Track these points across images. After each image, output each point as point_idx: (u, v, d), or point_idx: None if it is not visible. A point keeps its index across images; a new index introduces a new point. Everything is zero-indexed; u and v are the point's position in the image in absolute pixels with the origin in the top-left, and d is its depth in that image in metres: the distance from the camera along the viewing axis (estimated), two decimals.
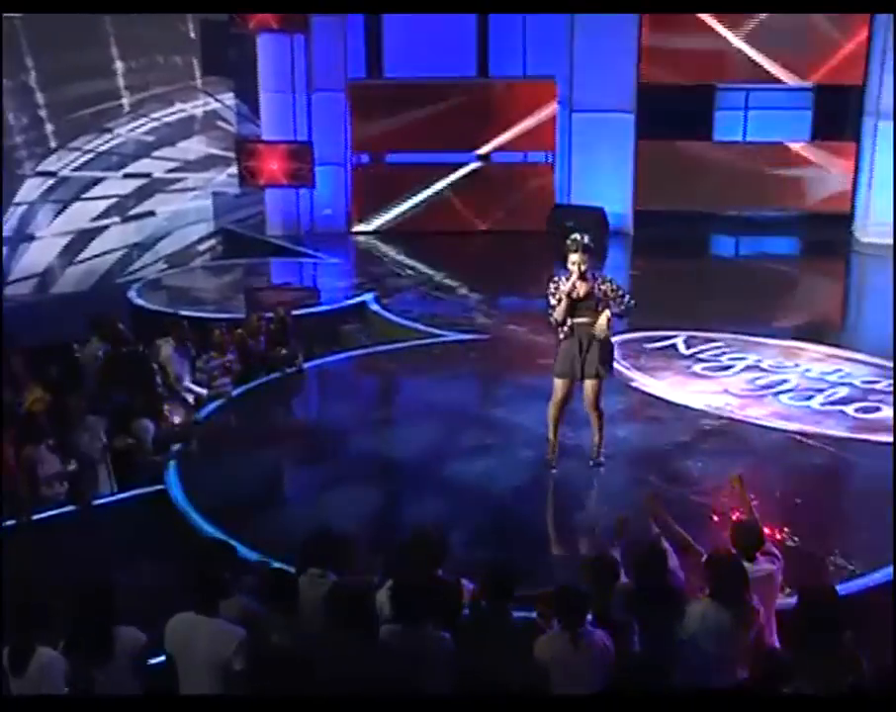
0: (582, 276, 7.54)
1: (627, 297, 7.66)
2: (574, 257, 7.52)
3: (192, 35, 16.88)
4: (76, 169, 16.27)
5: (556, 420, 7.91)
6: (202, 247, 17.48)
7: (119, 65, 16.40)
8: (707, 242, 16.74)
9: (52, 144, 15.83)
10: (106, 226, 16.62)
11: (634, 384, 9.81)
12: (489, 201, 16.63)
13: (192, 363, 9.59)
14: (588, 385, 7.78)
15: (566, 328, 7.70)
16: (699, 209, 16.85)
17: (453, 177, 16.66)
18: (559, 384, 7.84)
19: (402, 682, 4.62)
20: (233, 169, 16.84)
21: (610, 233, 16.10)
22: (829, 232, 15.88)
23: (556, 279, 7.65)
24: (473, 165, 16.75)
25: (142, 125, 16.72)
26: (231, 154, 16.86)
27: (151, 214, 16.97)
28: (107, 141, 16.43)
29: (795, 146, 16.52)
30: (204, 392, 9.42)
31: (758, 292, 13.19)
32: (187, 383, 9.41)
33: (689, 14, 15.22)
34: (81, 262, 16.47)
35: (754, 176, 16.36)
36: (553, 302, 7.65)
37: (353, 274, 14.35)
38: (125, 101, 16.56)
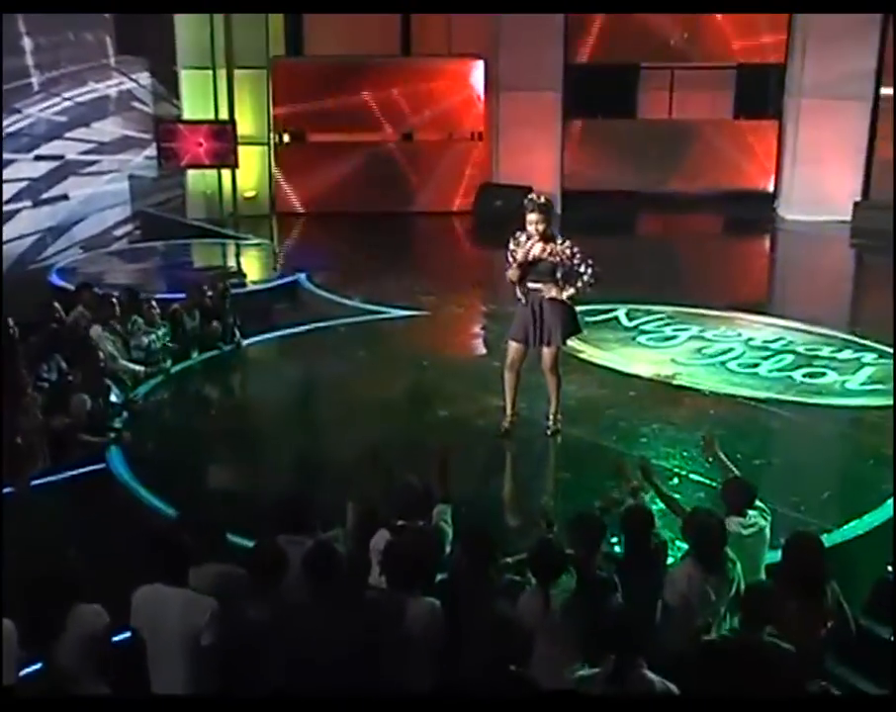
0: (542, 237, 7.36)
1: (591, 266, 7.41)
2: (531, 217, 7.32)
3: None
4: None
5: (512, 387, 7.72)
6: (119, 232, 16.91)
7: (27, 42, 15.71)
8: (635, 222, 16.86)
9: None
10: (17, 211, 15.92)
11: (581, 355, 9.70)
12: (415, 180, 16.47)
13: (124, 341, 9.22)
14: (545, 352, 7.63)
15: (521, 292, 7.53)
16: (626, 188, 16.96)
17: (379, 156, 16.44)
18: (512, 347, 7.67)
19: (387, 653, 4.42)
20: (151, 151, 16.39)
21: None
22: (753, 210, 16.09)
23: (516, 235, 7.46)
24: (399, 144, 16.61)
25: (54, 105, 16.04)
26: (148, 136, 16.38)
27: (65, 197, 16.31)
28: (16, 122, 15.71)
29: (718, 125, 16.70)
30: (140, 369, 9.07)
31: (689, 268, 13.31)
32: (122, 361, 9.03)
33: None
34: None
35: (678, 154, 16.47)
36: (510, 259, 7.46)
37: (281, 254, 14.08)
38: (34, 80, 15.81)
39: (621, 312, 11.03)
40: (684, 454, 7.52)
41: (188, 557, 4.65)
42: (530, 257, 7.39)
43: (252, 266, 13.69)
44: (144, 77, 16.77)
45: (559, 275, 7.42)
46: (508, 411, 7.76)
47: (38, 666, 4.30)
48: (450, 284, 12.30)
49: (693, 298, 11.46)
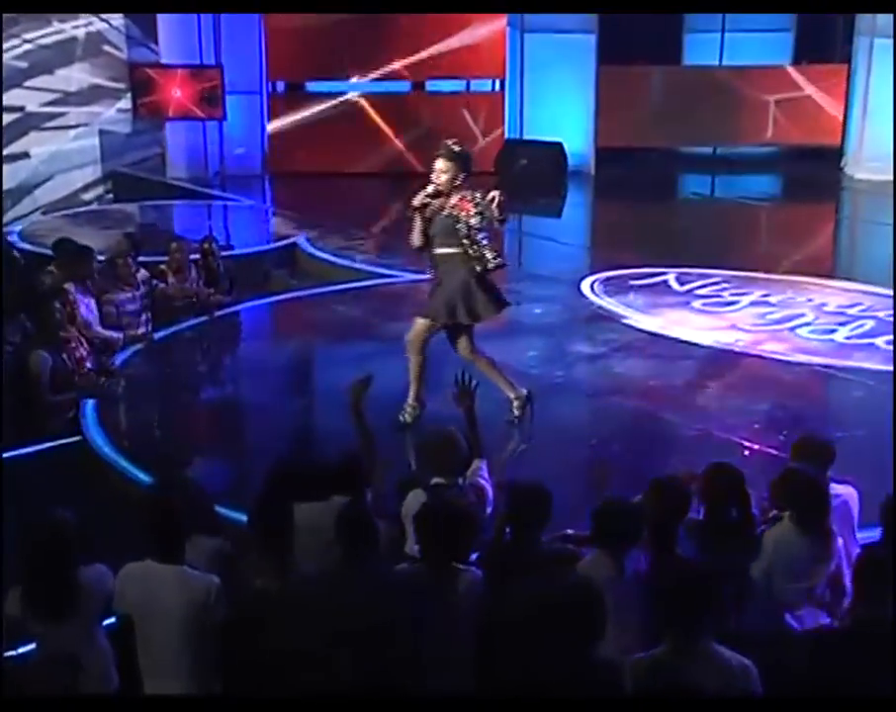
0: (449, 190, 7.00)
1: (492, 250, 7.09)
2: (437, 164, 7.03)
3: None
4: None
5: (416, 372, 7.32)
6: (88, 195, 16.78)
7: None
8: (679, 182, 16.81)
9: None
10: None
11: (626, 321, 9.79)
12: (426, 137, 16.26)
13: (98, 304, 9.09)
14: (459, 330, 7.29)
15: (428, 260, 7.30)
16: (669, 145, 16.89)
17: (386, 110, 16.31)
18: (419, 323, 7.29)
19: (424, 630, 4.30)
20: (125, 102, 16.23)
21: (569, 173, 16.10)
22: (816, 169, 15.94)
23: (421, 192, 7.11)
24: (408, 94, 16.54)
25: (12, 48, 15.92)
26: (122, 85, 16.23)
27: (25, 155, 16.18)
28: None
29: (777, 71, 16.57)
30: (118, 336, 8.94)
31: (745, 232, 13.25)
32: (98, 327, 8.89)
33: None
34: None
35: (729, 107, 16.33)
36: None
37: (278, 216, 14.02)
38: None
39: (671, 277, 11.03)
40: (755, 426, 7.43)
41: (182, 527, 4.54)
42: (427, 213, 7.06)
43: (243, 229, 13.57)
44: (118, 17, 16.61)
45: (462, 239, 7.05)
46: (410, 399, 7.38)
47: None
48: None
49: (751, 262, 11.46)
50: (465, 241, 7.03)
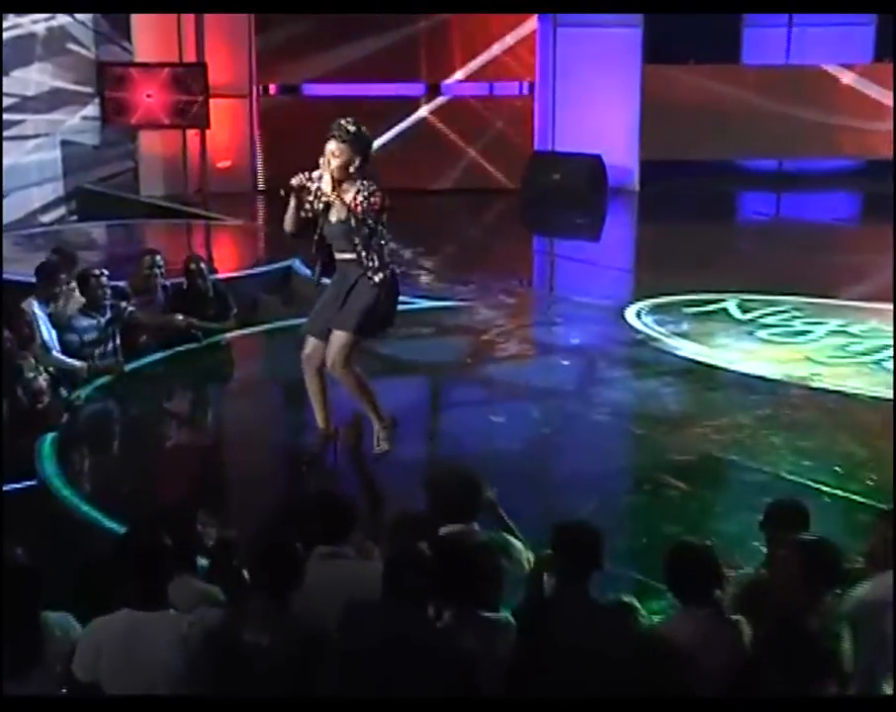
0: (339, 178, 6.96)
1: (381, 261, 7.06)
2: (329, 146, 7.01)
3: None
4: None
5: (315, 393, 7.41)
6: (47, 216, 16.82)
7: None
8: (737, 201, 16.83)
9: None
10: None
11: (679, 352, 9.88)
12: (442, 149, 16.43)
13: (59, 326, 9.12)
14: (330, 340, 7.22)
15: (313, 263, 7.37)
16: (726, 158, 16.88)
17: (393, 118, 16.42)
18: (308, 340, 7.37)
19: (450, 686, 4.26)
20: (91, 109, 16.34)
21: (610, 190, 16.13)
22: None
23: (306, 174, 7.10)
24: (422, 102, 16.64)
25: None
26: (88, 89, 16.36)
27: None
28: None
29: (852, 72, 16.60)
30: (82, 365, 8.93)
31: (815, 255, 13.18)
32: (57, 354, 8.86)
33: None
34: None
35: (797, 112, 16.33)
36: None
37: (268, 237, 14.09)
38: None
39: (731, 303, 11.11)
40: (836, 469, 7.40)
41: (169, 569, 4.57)
42: (303, 192, 7.04)
43: (230, 252, 13.61)
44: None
45: (355, 242, 7.04)
46: (320, 425, 7.49)
47: None
48: (491, 273, 12.41)
49: (825, 288, 11.51)
50: (357, 245, 7.00)
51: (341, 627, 4.50)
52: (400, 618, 4.42)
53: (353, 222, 6.97)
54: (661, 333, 10.22)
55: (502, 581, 4.70)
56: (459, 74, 16.53)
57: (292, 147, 15.71)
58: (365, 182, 6.99)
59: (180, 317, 9.81)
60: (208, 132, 15.90)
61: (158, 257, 10.05)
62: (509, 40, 16.32)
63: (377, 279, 7.06)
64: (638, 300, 11.19)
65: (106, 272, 9.41)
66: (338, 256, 7.16)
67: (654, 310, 10.86)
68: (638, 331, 10.33)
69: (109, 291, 9.31)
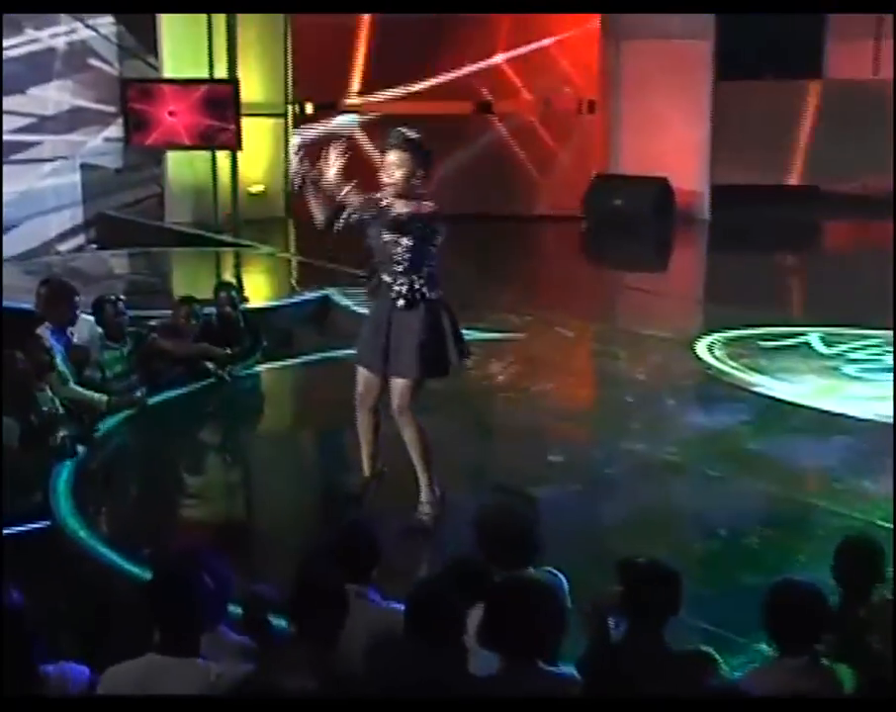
0: (402, 192, 6.88)
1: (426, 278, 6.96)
2: (389, 157, 6.91)
3: None
4: None
5: (366, 433, 7.36)
6: (64, 245, 16.98)
7: None
8: (818, 228, 16.77)
9: None
10: None
11: (757, 389, 9.82)
12: (491, 172, 16.48)
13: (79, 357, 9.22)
14: (392, 385, 7.14)
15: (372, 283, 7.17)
16: (806, 182, 16.90)
17: (439, 139, 16.38)
18: (359, 375, 7.29)
19: None
20: (114, 130, 16.54)
21: (677, 217, 16.14)
22: None
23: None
24: (470, 117, 16.74)
25: None
26: (111, 108, 16.56)
27: None
28: None
29: None
30: (102, 398, 8.95)
31: None
32: (74, 385, 8.91)
33: None
34: None
35: (885, 132, 16.23)
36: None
37: (304, 265, 14.23)
38: None
39: (813, 337, 11.11)
40: None
41: (202, 615, 4.57)
42: (357, 214, 6.86)
43: (262, 281, 13.68)
44: (107, 23, 16.94)
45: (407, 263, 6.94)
46: (365, 469, 7.42)
47: None
48: (549, 304, 12.50)
49: None
50: (408, 266, 6.92)
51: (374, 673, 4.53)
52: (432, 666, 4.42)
53: (408, 240, 6.91)
54: (735, 368, 10.16)
55: (564, 629, 4.64)
56: (512, 91, 16.59)
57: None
58: (424, 199, 6.94)
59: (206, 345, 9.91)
60: (239, 153, 16.04)
61: (197, 306, 10.05)
62: (568, 54, 16.36)
63: (426, 301, 6.97)
64: (709, 333, 11.13)
65: (122, 297, 9.47)
66: (386, 278, 7.06)
67: (727, 343, 10.81)
68: (710, 366, 10.27)
69: (127, 317, 9.39)
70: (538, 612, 4.51)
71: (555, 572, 5.32)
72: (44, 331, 8.94)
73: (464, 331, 10.65)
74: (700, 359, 10.49)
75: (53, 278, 9.93)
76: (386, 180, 6.89)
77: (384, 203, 6.91)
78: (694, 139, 16.39)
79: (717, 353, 10.58)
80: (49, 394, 8.30)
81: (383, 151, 7.01)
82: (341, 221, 6.87)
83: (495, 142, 16.69)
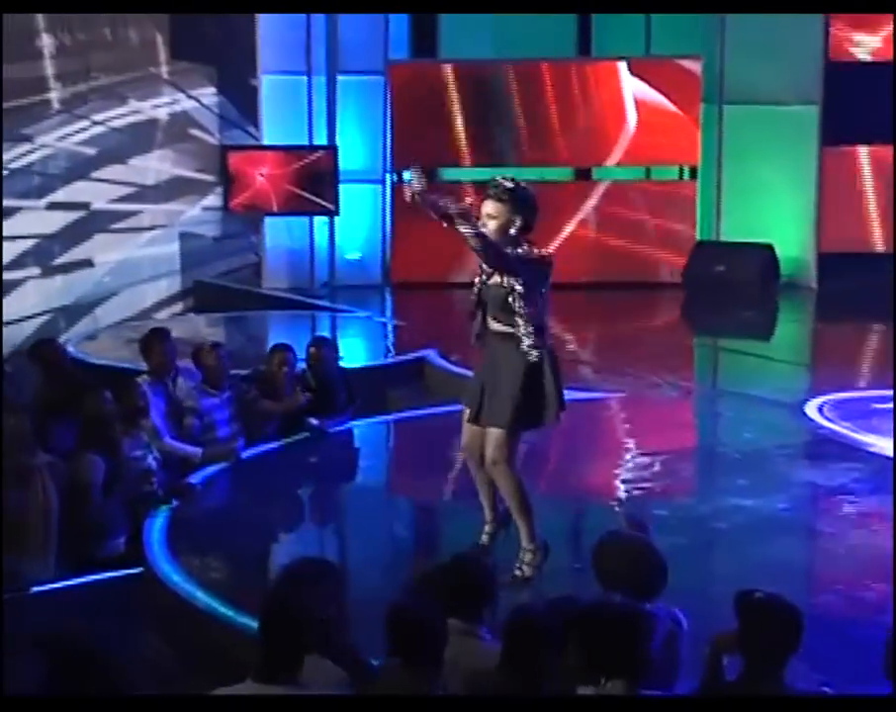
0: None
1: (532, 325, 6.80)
2: (485, 207, 6.79)
3: None
4: None
5: (482, 483, 7.20)
6: (161, 314, 17.10)
7: (46, 42, 16.31)
8: None
9: None
10: (19, 282, 16.28)
11: (871, 448, 9.67)
12: (589, 239, 16.48)
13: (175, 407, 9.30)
14: (487, 435, 7.00)
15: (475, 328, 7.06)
16: None
17: (543, 201, 16.34)
18: (464, 425, 7.17)
19: None
20: (213, 199, 16.71)
21: (782, 285, 15.99)
22: None
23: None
24: (566, 186, 16.80)
25: (79, 131, 16.55)
26: (210, 177, 16.73)
27: (88, 264, 16.66)
28: (24, 154, 16.20)
29: None
30: (197, 451, 9.00)
31: None
32: (170, 440, 8.98)
33: None
34: None
35: None
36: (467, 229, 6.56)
37: (401, 329, 14.33)
38: (53, 95, 16.40)
39: None
40: None
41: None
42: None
43: (358, 344, 13.78)
44: (209, 93, 17.19)
45: (514, 310, 6.81)
46: (487, 517, 7.27)
47: None
48: (649, 367, 12.36)
49: None
50: (515, 314, 6.79)
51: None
52: None
53: (515, 286, 6.76)
54: (848, 428, 9.97)
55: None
56: (612, 157, 16.58)
57: (426, 238, 15.93)
58: (529, 246, 6.83)
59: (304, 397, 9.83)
60: (336, 220, 16.12)
61: (290, 354, 9.98)
62: (668, 120, 16.29)
63: (534, 355, 6.82)
64: (819, 395, 10.91)
65: (221, 343, 9.50)
66: (492, 327, 6.95)
67: (839, 404, 10.60)
68: (821, 425, 10.10)
69: (226, 363, 9.43)
70: (630, 640, 4.42)
71: (675, 611, 5.22)
72: (141, 381, 9.04)
73: (565, 390, 10.77)
74: (811, 419, 10.30)
75: (151, 328, 10.02)
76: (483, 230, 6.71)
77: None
78: (799, 206, 16.23)
79: (829, 414, 10.38)
80: (145, 440, 8.32)
81: (482, 200, 6.91)
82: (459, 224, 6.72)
83: (594, 209, 16.57)
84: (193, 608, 6.90)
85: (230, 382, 9.52)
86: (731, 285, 15.49)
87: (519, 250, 6.77)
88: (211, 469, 8.99)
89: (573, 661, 4.42)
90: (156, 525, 7.89)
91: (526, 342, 6.78)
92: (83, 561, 7.55)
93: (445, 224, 6.65)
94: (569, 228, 16.44)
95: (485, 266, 6.87)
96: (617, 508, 8.21)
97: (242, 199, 16.12)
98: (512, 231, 6.78)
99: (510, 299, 6.76)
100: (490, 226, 6.73)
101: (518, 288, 6.73)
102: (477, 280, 6.96)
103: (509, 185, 6.82)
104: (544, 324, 6.90)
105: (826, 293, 16.01)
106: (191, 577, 7.19)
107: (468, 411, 7.11)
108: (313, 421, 9.71)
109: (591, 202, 16.60)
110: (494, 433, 6.92)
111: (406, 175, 7.21)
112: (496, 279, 6.82)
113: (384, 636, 4.73)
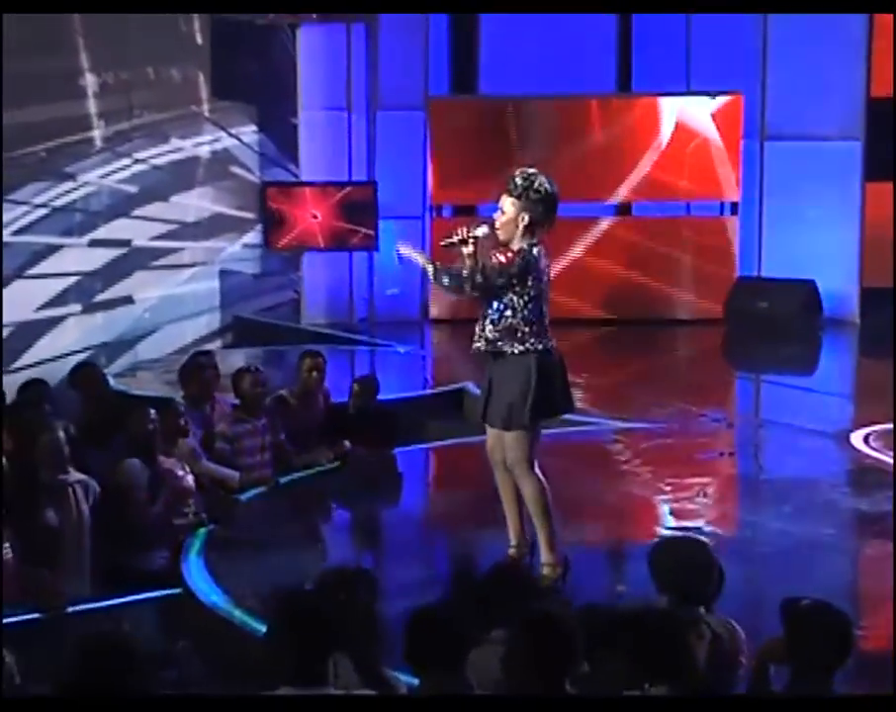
0: (506, 238, 6.75)
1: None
2: (501, 200, 6.82)
3: (198, 38, 16.94)
4: (18, 232, 16.05)
5: (506, 494, 7.09)
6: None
7: (90, 80, 16.38)
8: None
9: None
10: (60, 318, 16.31)
11: None
12: (630, 275, 16.46)
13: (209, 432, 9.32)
14: (507, 436, 6.89)
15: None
16: None
17: (579, 241, 16.46)
18: (487, 428, 7.08)
19: None
20: (253, 236, 16.77)
21: (825, 320, 15.89)
22: None
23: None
24: (607, 222, 16.74)
25: (121, 169, 16.58)
26: (250, 214, 16.77)
27: (129, 300, 16.66)
28: (67, 192, 16.21)
29: None
30: (235, 474, 8.97)
31: None
32: (206, 462, 8.94)
33: None
34: (19, 370, 16.11)
35: None
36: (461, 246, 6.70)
37: (440, 362, 14.46)
38: (96, 133, 16.42)
39: None
40: None
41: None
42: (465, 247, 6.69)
43: (396, 376, 13.74)
44: (249, 131, 17.26)
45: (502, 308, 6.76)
46: (511, 537, 7.13)
47: None
48: (690, 400, 12.30)
49: None
50: (504, 311, 6.75)
51: None
52: None
53: (501, 286, 6.69)
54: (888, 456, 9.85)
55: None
56: (652, 193, 16.58)
57: None
58: (530, 244, 6.73)
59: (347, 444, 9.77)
60: (375, 255, 16.13)
61: (320, 359, 10.02)
62: (709, 155, 16.27)
63: (517, 350, 6.71)
64: (865, 426, 10.79)
65: (261, 369, 9.48)
66: (487, 328, 6.87)
67: (885, 433, 10.45)
68: (867, 455, 9.99)
69: (265, 390, 9.39)
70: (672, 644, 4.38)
71: (730, 621, 5.12)
72: (181, 401, 9.08)
73: (606, 421, 10.75)
74: (856, 448, 10.20)
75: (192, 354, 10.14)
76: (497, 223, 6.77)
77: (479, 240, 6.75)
78: (842, 241, 16.18)
79: (874, 444, 10.27)
80: (179, 459, 8.28)
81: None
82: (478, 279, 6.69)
83: (634, 244, 16.52)
84: (231, 627, 6.83)
85: (267, 409, 9.47)
86: (773, 320, 15.43)
87: (499, 255, 6.72)
88: (248, 493, 8.95)
89: (617, 665, 4.34)
90: (195, 546, 7.84)
91: (516, 342, 6.70)
92: (125, 570, 7.55)
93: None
94: (609, 265, 16.43)
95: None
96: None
97: (282, 235, 16.17)
98: (519, 228, 6.73)
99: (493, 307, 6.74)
100: (500, 220, 6.75)
101: (502, 288, 6.67)
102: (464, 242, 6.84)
103: (520, 180, 6.77)
104: (534, 320, 6.75)
105: (869, 327, 15.91)
106: (229, 597, 7.13)
107: (480, 412, 7.05)
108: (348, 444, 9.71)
109: (632, 237, 16.60)
110: (509, 437, 6.84)
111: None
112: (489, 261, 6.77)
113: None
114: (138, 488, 7.63)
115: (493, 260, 6.71)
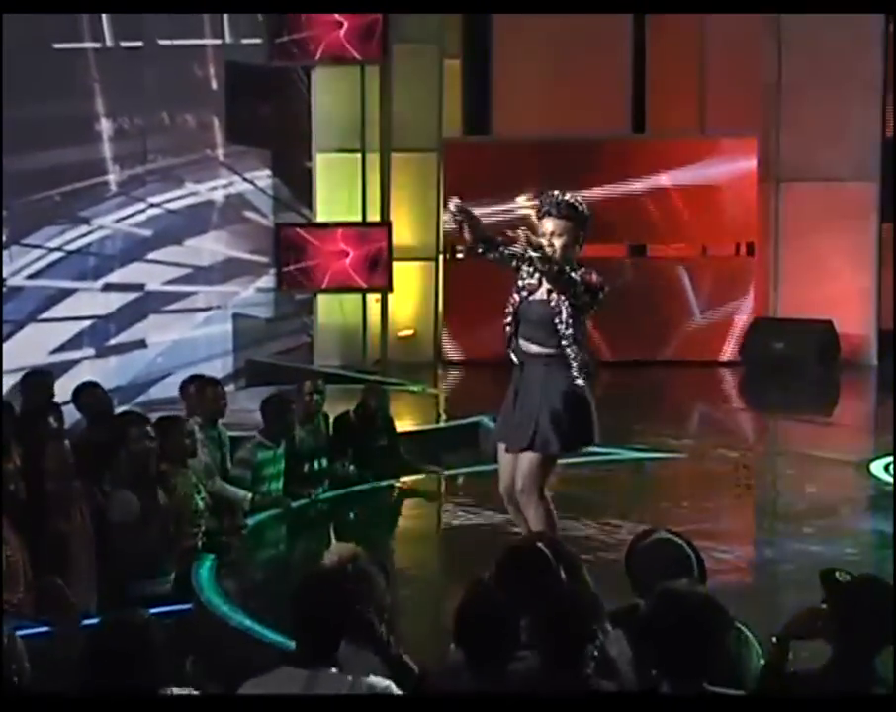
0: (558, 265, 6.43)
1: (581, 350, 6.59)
2: (546, 225, 6.56)
3: (213, 83, 17.00)
4: (32, 276, 16.09)
5: (521, 523, 6.90)
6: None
7: (104, 125, 16.47)
8: None
9: None
10: (74, 362, 16.31)
11: None
12: (649, 316, 16.28)
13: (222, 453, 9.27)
14: (519, 462, 6.73)
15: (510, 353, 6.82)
16: None
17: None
18: (500, 454, 6.92)
19: None
20: (266, 280, 16.80)
21: (842, 362, 15.79)
22: None
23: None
24: (628, 261, 16.80)
25: (135, 213, 16.65)
26: (264, 258, 16.80)
27: (142, 344, 16.67)
28: (81, 236, 16.30)
29: None
30: (247, 495, 8.86)
31: None
32: (219, 481, 8.88)
33: None
34: None
35: None
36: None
37: (454, 399, 14.41)
38: (111, 178, 16.53)
39: None
40: None
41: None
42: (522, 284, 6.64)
43: (411, 412, 13.66)
44: (263, 176, 17.32)
45: (562, 334, 6.56)
46: None
47: None
48: (707, 434, 12.54)
49: None
50: (560, 335, 6.54)
51: None
52: None
53: (563, 307, 6.53)
54: None
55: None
56: (667, 234, 16.61)
57: (480, 314, 15.89)
58: (585, 269, 6.57)
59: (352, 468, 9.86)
60: (389, 297, 16.12)
61: (320, 382, 10.10)
62: (725, 196, 16.25)
63: (582, 381, 6.60)
64: (885, 455, 10.65)
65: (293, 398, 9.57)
66: (527, 348, 6.70)
67: None
68: (888, 482, 9.87)
69: (291, 418, 9.37)
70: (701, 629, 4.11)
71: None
72: (192, 421, 8.92)
73: (622, 450, 10.67)
74: (877, 477, 10.11)
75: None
76: (547, 248, 6.48)
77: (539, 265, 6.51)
78: (860, 283, 16.13)
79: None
80: (193, 480, 8.16)
81: (538, 218, 6.72)
82: (497, 252, 6.61)
83: (650, 286, 16.48)
84: (241, 640, 6.77)
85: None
86: (790, 362, 15.39)
87: (580, 272, 6.53)
88: (260, 515, 8.89)
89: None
90: (206, 566, 7.76)
91: (575, 366, 6.56)
92: (127, 599, 7.35)
93: (480, 250, 6.59)
94: (623, 305, 16.30)
95: (527, 281, 6.64)
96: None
97: (295, 276, 16.13)
98: (577, 249, 6.60)
99: (556, 320, 6.52)
100: (556, 245, 6.50)
101: (567, 309, 6.49)
102: (515, 296, 6.71)
103: (573, 201, 6.60)
104: (589, 349, 6.71)
105: (886, 369, 15.73)
106: (238, 607, 7.11)
107: (502, 446, 6.88)
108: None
109: (646, 279, 16.55)
110: (526, 459, 6.66)
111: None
112: (541, 296, 6.60)
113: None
114: (127, 525, 7.45)
115: (592, 277, 6.53)
